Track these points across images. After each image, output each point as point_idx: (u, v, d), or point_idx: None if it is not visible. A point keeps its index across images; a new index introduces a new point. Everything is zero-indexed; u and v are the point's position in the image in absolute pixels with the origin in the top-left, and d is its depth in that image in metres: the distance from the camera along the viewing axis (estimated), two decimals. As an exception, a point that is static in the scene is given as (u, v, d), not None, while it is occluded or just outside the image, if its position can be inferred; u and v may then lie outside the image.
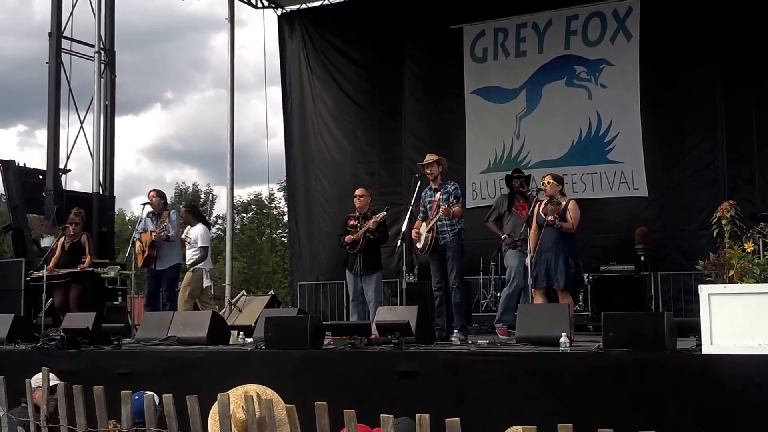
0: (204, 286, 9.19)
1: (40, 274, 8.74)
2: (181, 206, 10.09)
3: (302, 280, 12.64)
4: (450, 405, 5.05)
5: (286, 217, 30.44)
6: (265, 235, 35.19)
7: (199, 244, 9.10)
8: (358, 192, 8.45)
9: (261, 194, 37.83)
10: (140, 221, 9.52)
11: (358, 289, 8.10)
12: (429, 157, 7.70)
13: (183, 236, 9.33)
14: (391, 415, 2.16)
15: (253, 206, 38.60)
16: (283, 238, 30.54)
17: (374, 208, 8.47)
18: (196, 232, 9.20)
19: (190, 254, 9.19)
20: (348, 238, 8.09)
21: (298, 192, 13.34)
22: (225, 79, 12.65)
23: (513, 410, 5.00)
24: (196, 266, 9.11)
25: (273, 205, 36.27)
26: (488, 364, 5.32)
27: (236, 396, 3.76)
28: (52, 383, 4.44)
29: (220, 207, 38.62)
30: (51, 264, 8.94)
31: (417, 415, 2.08)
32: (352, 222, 8.24)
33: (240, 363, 6.11)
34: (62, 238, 9.17)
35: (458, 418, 2.02)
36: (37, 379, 4.52)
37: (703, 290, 4.66)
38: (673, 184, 10.25)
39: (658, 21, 10.28)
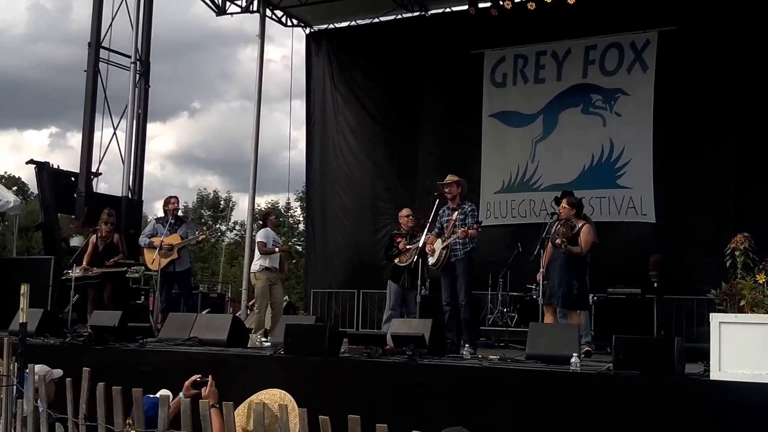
0: None
1: (76, 273, 8.77)
2: (259, 215, 10.12)
3: (316, 288, 12.66)
4: (461, 418, 5.02)
5: (301, 226, 30.51)
6: (279, 244, 35.18)
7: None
8: (405, 212, 8.84)
9: (278, 203, 37.90)
10: (150, 226, 9.53)
11: (399, 299, 8.53)
12: (449, 178, 7.71)
13: (274, 236, 9.47)
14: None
15: (269, 214, 38.69)
16: (297, 246, 30.56)
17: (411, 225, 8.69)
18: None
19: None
20: (401, 244, 8.49)
21: (316, 203, 13.39)
22: (250, 91, 12.79)
23: (522, 426, 4.97)
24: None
25: (289, 214, 36.33)
26: (500, 380, 5.29)
27: (248, 404, 3.77)
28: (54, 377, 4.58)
29: (238, 213, 38.76)
30: (85, 263, 9.00)
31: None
32: (399, 239, 8.63)
33: (260, 366, 6.09)
34: (95, 239, 9.19)
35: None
36: (46, 373, 4.58)
37: (714, 318, 4.62)
38: (680, 212, 10.21)
39: (674, 54, 10.30)
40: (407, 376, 5.49)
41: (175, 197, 9.42)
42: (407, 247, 8.49)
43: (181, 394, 3.99)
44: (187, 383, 4.21)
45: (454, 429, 2.70)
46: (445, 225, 7.61)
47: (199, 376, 4.25)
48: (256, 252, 9.48)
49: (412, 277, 8.21)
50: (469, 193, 9.40)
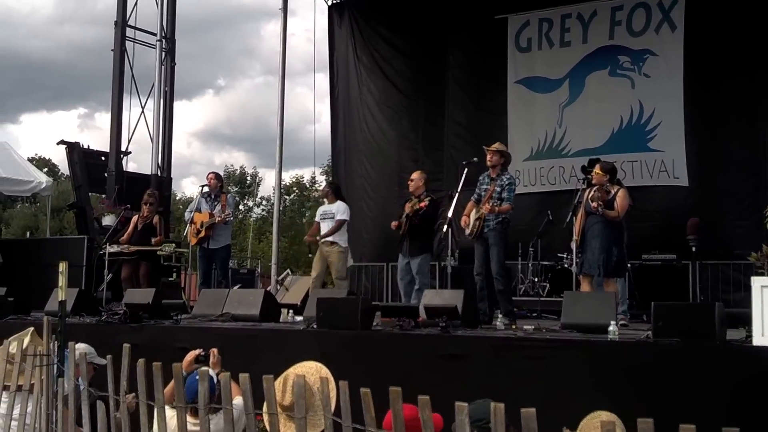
0: (348, 264, 9.10)
1: (114, 249, 8.89)
2: (325, 183, 9.53)
3: (345, 261, 12.61)
4: (496, 389, 4.95)
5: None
6: (306, 217, 35.30)
7: (337, 218, 9.04)
8: (414, 175, 8.40)
9: (303, 177, 37.97)
10: (195, 201, 9.55)
11: (404, 269, 8.12)
12: (496, 145, 7.52)
13: (321, 211, 9.20)
14: (466, 403, 2.07)
15: (294, 189, 38.80)
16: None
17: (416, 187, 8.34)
18: (337, 207, 9.16)
19: (326, 226, 9.10)
20: (393, 224, 8.11)
21: (342, 176, 13.29)
22: (274, 66, 12.80)
23: (559, 396, 4.88)
24: (340, 245, 8.98)
25: (314, 188, 36.38)
26: (535, 350, 5.19)
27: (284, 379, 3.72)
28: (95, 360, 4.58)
29: (265, 189, 38.92)
30: (124, 240, 9.11)
31: (492, 404, 1.99)
32: (406, 205, 8.22)
33: (293, 341, 6.08)
34: (137, 218, 9.30)
35: (533, 409, 1.92)
36: (87, 353, 4.58)
37: (756, 282, 4.48)
38: (713, 174, 9.95)
39: (702, 12, 9.98)
40: (441, 348, 5.43)
41: (212, 173, 9.39)
42: (399, 219, 8.12)
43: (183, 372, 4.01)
44: (188, 359, 4.24)
45: (480, 402, 2.65)
46: (483, 194, 7.48)
47: (201, 351, 4.32)
48: None
49: (412, 245, 7.97)
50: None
